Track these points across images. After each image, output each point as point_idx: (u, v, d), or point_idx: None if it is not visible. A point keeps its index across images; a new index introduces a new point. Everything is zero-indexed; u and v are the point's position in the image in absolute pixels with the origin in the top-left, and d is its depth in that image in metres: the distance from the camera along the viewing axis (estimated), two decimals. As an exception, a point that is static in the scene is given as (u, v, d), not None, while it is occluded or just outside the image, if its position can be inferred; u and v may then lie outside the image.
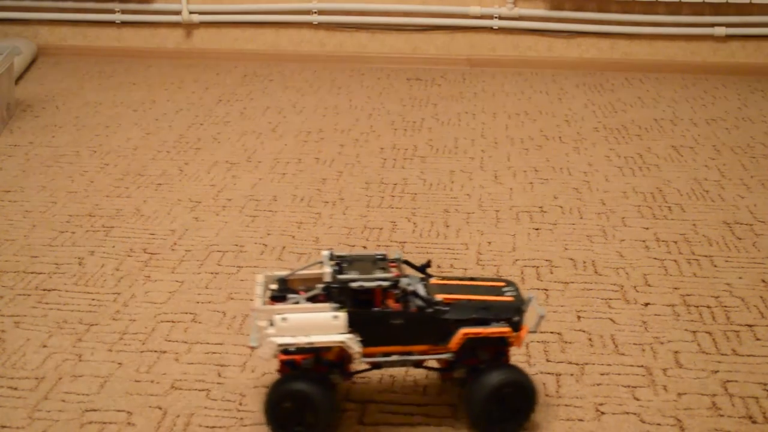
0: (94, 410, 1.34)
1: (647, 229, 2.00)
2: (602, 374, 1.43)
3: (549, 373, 1.43)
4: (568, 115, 2.93)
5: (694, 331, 1.56)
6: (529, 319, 1.52)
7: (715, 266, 1.82)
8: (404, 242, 1.93)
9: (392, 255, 1.28)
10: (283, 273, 1.32)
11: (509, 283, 1.33)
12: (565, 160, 2.47)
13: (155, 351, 1.50)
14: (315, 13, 3.63)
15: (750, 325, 1.58)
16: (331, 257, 1.29)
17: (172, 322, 1.60)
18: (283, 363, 1.26)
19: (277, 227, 2.02)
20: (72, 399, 1.37)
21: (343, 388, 1.39)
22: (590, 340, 1.53)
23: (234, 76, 3.44)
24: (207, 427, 1.30)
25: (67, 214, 2.09)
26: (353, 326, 1.23)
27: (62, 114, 2.92)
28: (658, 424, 1.31)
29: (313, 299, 1.26)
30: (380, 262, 1.29)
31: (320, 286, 1.25)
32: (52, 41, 3.82)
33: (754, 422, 1.31)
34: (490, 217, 2.08)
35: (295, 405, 1.23)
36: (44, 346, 1.51)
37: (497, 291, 1.31)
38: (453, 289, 1.30)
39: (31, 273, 1.79)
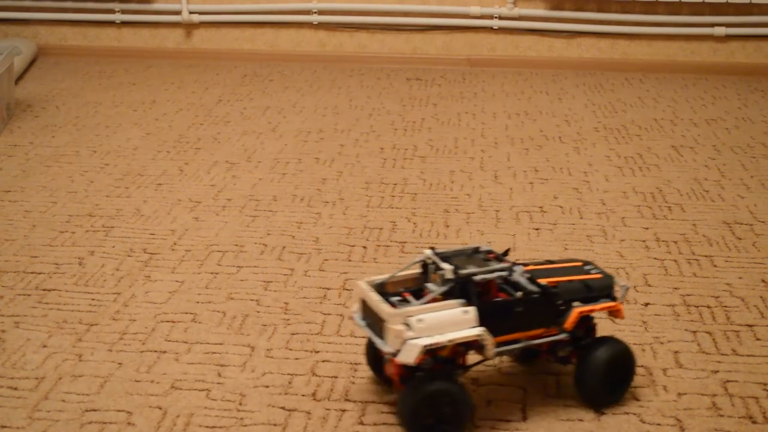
0: (94, 410, 1.34)
1: (647, 229, 2.00)
2: (602, 374, 1.43)
3: (549, 373, 1.43)
4: (568, 115, 2.93)
5: (694, 331, 1.56)
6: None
7: (715, 266, 1.82)
8: (404, 242, 1.93)
9: (483, 248, 1.33)
10: (383, 277, 1.31)
11: (586, 262, 1.39)
12: (565, 160, 2.47)
13: (155, 351, 1.50)
14: (315, 13, 3.63)
15: (750, 325, 1.58)
16: (434, 255, 1.30)
17: (172, 322, 1.60)
18: (405, 367, 1.25)
19: (277, 227, 2.02)
20: (72, 399, 1.37)
21: (344, 387, 1.39)
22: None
23: (234, 76, 3.44)
24: (207, 427, 1.30)
25: (67, 214, 2.09)
26: (481, 318, 1.25)
27: (62, 114, 2.92)
28: (658, 424, 1.31)
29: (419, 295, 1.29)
30: (475, 255, 1.32)
31: (437, 282, 1.26)
32: (52, 41, 3.82)
33: (754, 422, 1.31)
34: (490, 217, 2.08)
35: (439, 406, 1.23)
36: (44, 346, 1.51)
37: (583, 270, 1.36)
38: (546, 273, 1.34)
39: (31, 273, 1.79)
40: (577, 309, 1.30)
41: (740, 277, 1.77)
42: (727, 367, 1.45)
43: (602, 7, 3.53)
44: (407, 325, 1.21)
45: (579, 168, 2.41)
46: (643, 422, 1.31)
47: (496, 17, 3.56)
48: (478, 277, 1.25)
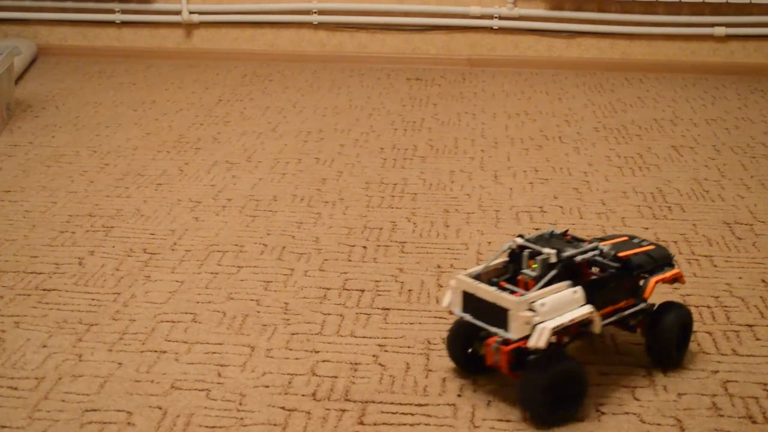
0: (94, 410, 1.34)
1: (647, 229, 2.00)
2: (602, 374, 1.43)
3: (549, 373, 1.43)
4: (568, 115, 2.93)
5: (694, 331, 1.56)
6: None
7: (715, 266, 1.82)
8: (404, 242, 1.93)
9: (556, 231, 1.42)
10: (478, 269, 1.36)
11: (631, 236, 1.49)
12: (565, 160, 2.47)
13: (155, 351, 1.50)
14: (315, 13, 3.63)
15: (750, 325, 1.58)
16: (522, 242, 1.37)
17: (172, 322, 1.60)
18: (515, 353, 1.31)
19: (277, 227, 2.02)
20: (72, 399, 1.37)
21: (344, 387, 1.39)
22: (590, 340, 1.53)
23: (234, 76, 3.44)
24: (207, 427, 1.30)
25: (67, 214, 2.09)
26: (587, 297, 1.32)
27: (62, 114, 2.92)
28: (658, 424, 1.31)
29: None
30: (555, 238, 1.40)
31: (535, 267, 1.33)
32: (52, 41, 3.82)
33: (754, 422, 1.31)
34: (490, 217, 2.08)
35: (563, 384, 1.28)
36: (44, 346, 1.51)
37: (636, 243, 1.46)
38: (614, 249, 1.42)
39: (31, 273, 1.79)
40: (654, 278, 1.40)
41: (740, 277, 1.77)
42: (727, 367, 1.45)
43: (602, 7, 3.53)
44: (533, 310, 1.26)
45: (579, 168, 2.41)
46: (643, 422, 1.31)
47: (496, 17, 3.56)
48: (578, 258, 1.32)
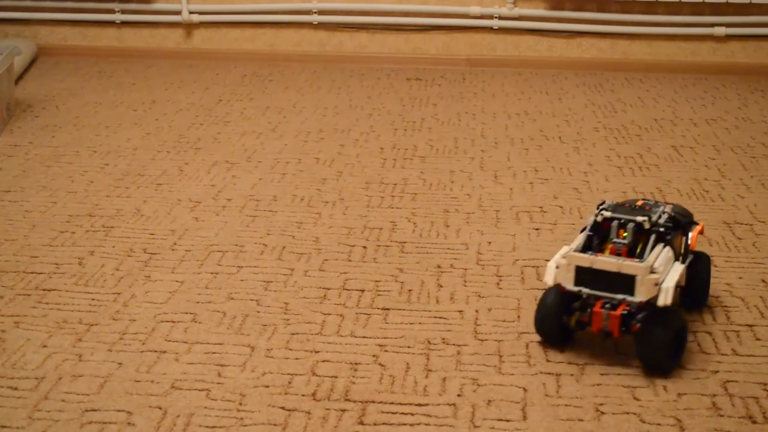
0: (94, 410, 1.34)
1: (647, 229, 2.00)
2: (602, 374, 1.43)
3: (549, 373, 1.43)
4: (568, 115, 2.93)
5: (694, 331, 1.56)
6: None
7: (715, 266, 1.82)
8: (404, 242, 1.93)
9: (627, 202, 1.59)
10: (575, 245, 1.48)
11: (645, 199, 1.59)
12: (565, 160, 2.47)
13: (155, 351, 1.50)
14: (315, 13, 3.64)
15: (750, 325, 1.58)
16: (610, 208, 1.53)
17: (172, 322, 1.60)
18: (622, 317, 1.42)
19: (277, 227, 2.02)
20: (72, 399, 1.37)
21: (344, 387, 1.39)
22: (590, 340, 1.53)
23: (234, 76, 3.45)
24: (207, 427, 1.30)
25: (67, 214, 2.09)
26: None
27: (62, 114, 2.92)
28: (658, 424, 1.31)
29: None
30: (627, 206, 1.55)
31: (625, 236, 1.48)
32: (52, 41, 3.82)
33: (754, 422, 1.31)
34: (490, 217, 2.08)
35: (681, 336, 1.44)
36: (44, 346, 1.51)
37: (661, 204, 1.58)
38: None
39: (31, 273, 1.79)
40: (694, 232, 1.55)
41: (740, 277, 1.77)
42: (727, 367, 1.45)
43: (602, 7, 3.53)
44: (655, 273, 1.40)
45: (579, 168, 2.41)
46: (643, 422, 1.31)
47: (496, 17, 3.56)
48: (661, 221, 1.49)
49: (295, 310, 1.64)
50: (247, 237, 1.96)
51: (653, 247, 1.44)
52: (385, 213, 2.10)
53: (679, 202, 2.16)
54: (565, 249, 1.48)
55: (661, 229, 1.47)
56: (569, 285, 1.45)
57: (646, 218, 1.47)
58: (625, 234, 1.48)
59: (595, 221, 1.49)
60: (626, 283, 1.40)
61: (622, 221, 1.48)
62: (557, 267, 1.46)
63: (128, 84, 3.32)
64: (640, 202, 1.56)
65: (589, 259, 1.43)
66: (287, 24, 3.69)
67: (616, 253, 1.46)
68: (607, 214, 1.49)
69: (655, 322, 1.40)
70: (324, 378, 1.42)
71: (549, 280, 1.47)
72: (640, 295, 1.40)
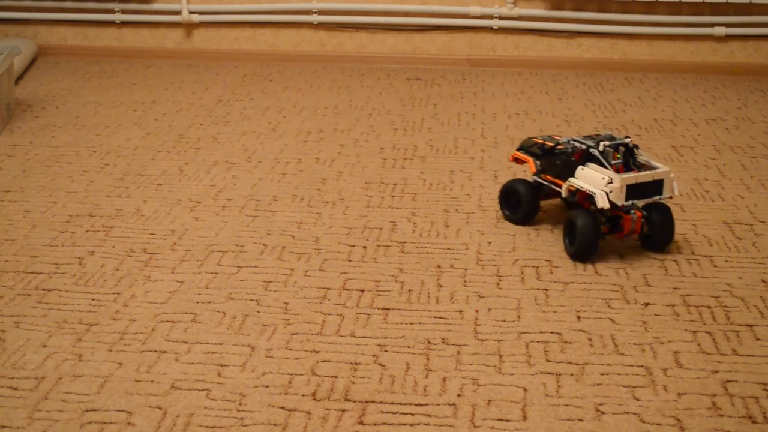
0: (94, 410, 1.34)
1: (647, 229, 2.00)
2: (602, 374, 1.43)
3: (549, 373, 1.43)
4: (568, 115, 2.93)
5: (694, 331, 1.56)
6: None
7: (715, 266, 1.82)
8: (404, 242, 1.93)
9: (579, 137, 1.94)
10: (610, 171, 1.82)
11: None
12: (565, 160, 2.47)
13: (155, 351, 1.50)
14: (315, 13, 3.64)
15: (750, 325, 1.58)
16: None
17: (172, 322, 1.60)
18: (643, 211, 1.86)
19: (277, 227, 2.02)
20: (72, 399, 1.37)
21: (344, 387, 1.39)
22: (590, 340, 1.53)
23: (234, 76, 3.45)
24: (207, 427, 1.30)
25: (67, 214, 2.09)
26: None
27: (62, 114, 2.92)
28: (658, 424, 1.31)
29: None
30: (594, 136, 1.92)
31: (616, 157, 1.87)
32: (52, 41, 3.82)
33: (754, 422, 1.31)
34: (490, 217, 2.08)
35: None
36: (44, 346, 1.51)
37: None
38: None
39: (31, 273, 1.79)
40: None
41: (740, 277, 1.77)
42: (727, 367, 1.45)
43: (602, 7, 3.53)
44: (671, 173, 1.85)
45: (579, 168, 2.40)
46: (643, 422, 1.31)
47: (496, 17, 3.56)
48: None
49: (295, 310, 1.64)
50: (247, 237, 1.96)
51: (636, 160, 1.85)
52: (385, 213, 2.10)
53: (680, 202, 2.16)
54: (600, 179, 1.80)
55: (634, 146, 1.85)
56: (620, 201, 1.79)
57: (629, 139, 1.85)
58: (618, 156, 1.84)
59: (591, 153, 1.86)
60: (658, 186, 1.83)
61: (611, 145, 1.84)
62: (610, 192, 1.78)
63: (128, 84, 3.32)
64: (563, 137, 1.96)
65: (634, 177, 1.80)
66: (287, 24, 3.69)
67: (616, 170, 1.81)
68: (606, 143, 1.84)
69: (669, 211, 1.85)
70: (324, 378, 1.42)
71: (605, 203, 1.77)
72: (668, 192, 1.84)
